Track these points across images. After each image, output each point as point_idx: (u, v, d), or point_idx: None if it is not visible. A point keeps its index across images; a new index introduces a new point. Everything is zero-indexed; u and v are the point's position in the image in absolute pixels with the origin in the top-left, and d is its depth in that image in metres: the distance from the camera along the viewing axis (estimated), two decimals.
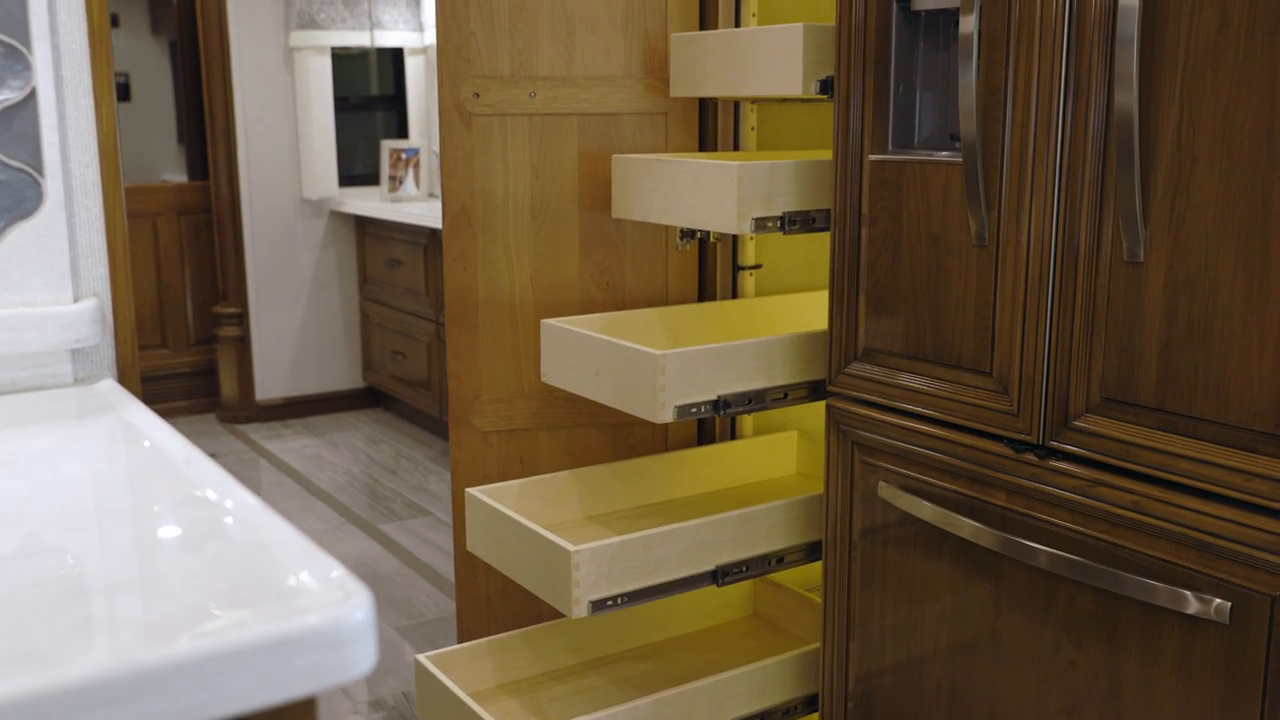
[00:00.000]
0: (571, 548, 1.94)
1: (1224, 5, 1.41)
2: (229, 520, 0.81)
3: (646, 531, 2.02)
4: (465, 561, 2.55)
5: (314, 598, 0.68)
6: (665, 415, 1.99)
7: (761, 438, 2.60)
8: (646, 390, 1.99)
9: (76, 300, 1.25)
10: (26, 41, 1.17)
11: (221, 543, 0.78)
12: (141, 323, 5.29)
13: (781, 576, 2.59)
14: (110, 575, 0.74)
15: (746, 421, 2.63)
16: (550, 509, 2.32)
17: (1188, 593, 1.52)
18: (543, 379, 2.28)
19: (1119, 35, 1.48)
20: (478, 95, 2.37)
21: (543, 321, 2.25)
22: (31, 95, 1.18)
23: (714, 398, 2.04)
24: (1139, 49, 1.48)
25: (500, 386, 2.50)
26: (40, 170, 1.20)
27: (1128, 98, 1.49)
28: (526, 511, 2.27)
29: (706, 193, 2.06)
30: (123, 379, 1.30)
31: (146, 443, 1.01)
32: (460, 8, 2.34)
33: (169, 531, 0.81)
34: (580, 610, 1.96)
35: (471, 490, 2.23)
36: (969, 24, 1.67)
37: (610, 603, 1.99)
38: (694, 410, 2.02)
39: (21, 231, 1.20)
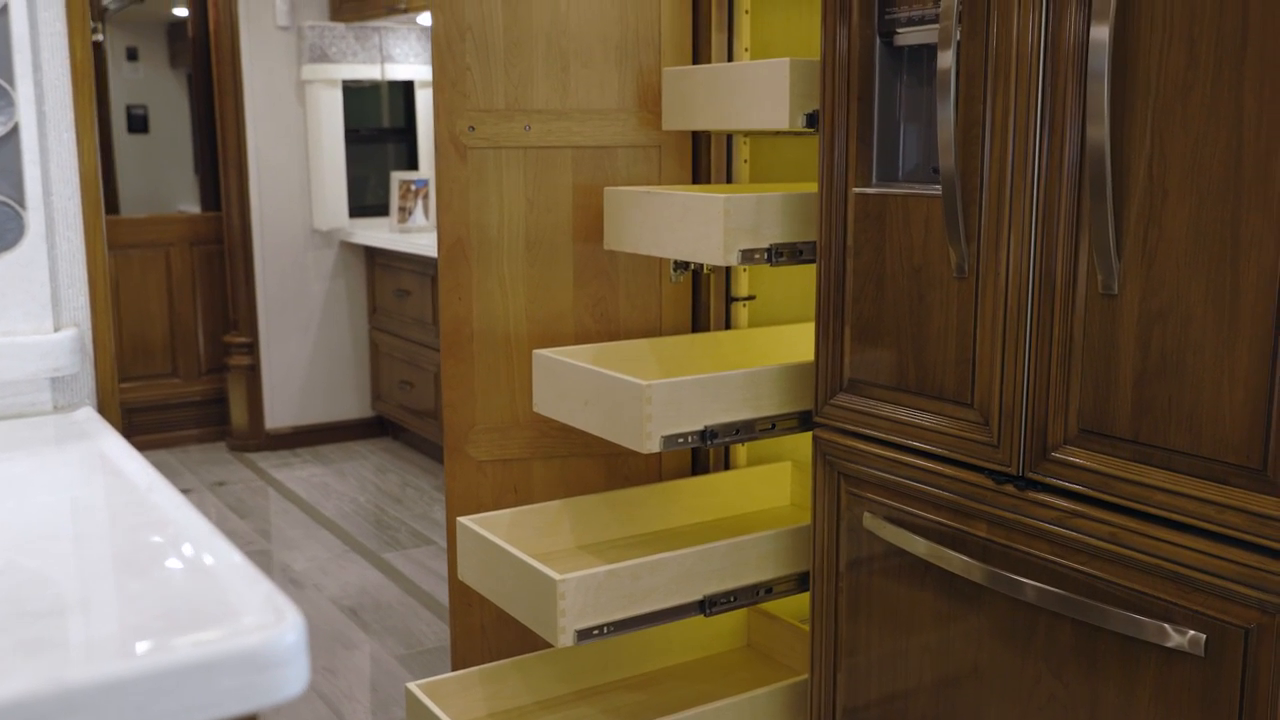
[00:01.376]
0: (557, 576, 1.95)
1: (1192, 43, 1.43)
2: (179, 546, 0.83)
3: (633, 561, 2.03)
4: (459, 590, 2.56)
5: (246, 621, 0.69)
6: (652, 445, 2.00)
7: (755, 468, 2.61)
8: (633, 420, 2.00)
9: (57, 330, 1.27)
10: (10, 78, 1.21)
11: (167, 568, 0.79)
12: (153, 352, 5.34)
13: (775, 607, 2.59)
14: (57, 598, 0.76)
15: (740, 452, 2.64)
16: (542, 538, 2.34)
17: (1164, 625, 1.52)
18: (534, 409, 2.30)
19: (1090, 70, 1.49)
20: (473, 129, 2.41)
21: (534, 352, 2.27)
22: (14, 130, 1.22)
23: (701, 428, 2.05)
24: (1110, 84, 1.50)
25: (495, 416, 2.52)
26: (22, 203, 1.23)
27: (1099, 132, 1.50)
28: (518, 541, 2.29)
29: (694, 224, 2.08)
30: (102, 407, 1.32)
31: (113, 470, 1.03)
32: (456, 43, 2.38)
33: (120, 556, 0.83)
34: (566, 639, 1.97)
35: (462, 519, 2.25)
36: (946, 59, 1.69)
37: (596, 632, 2.00)
38: (681, 440, 2.03)
39: (3, 262, 1.23)
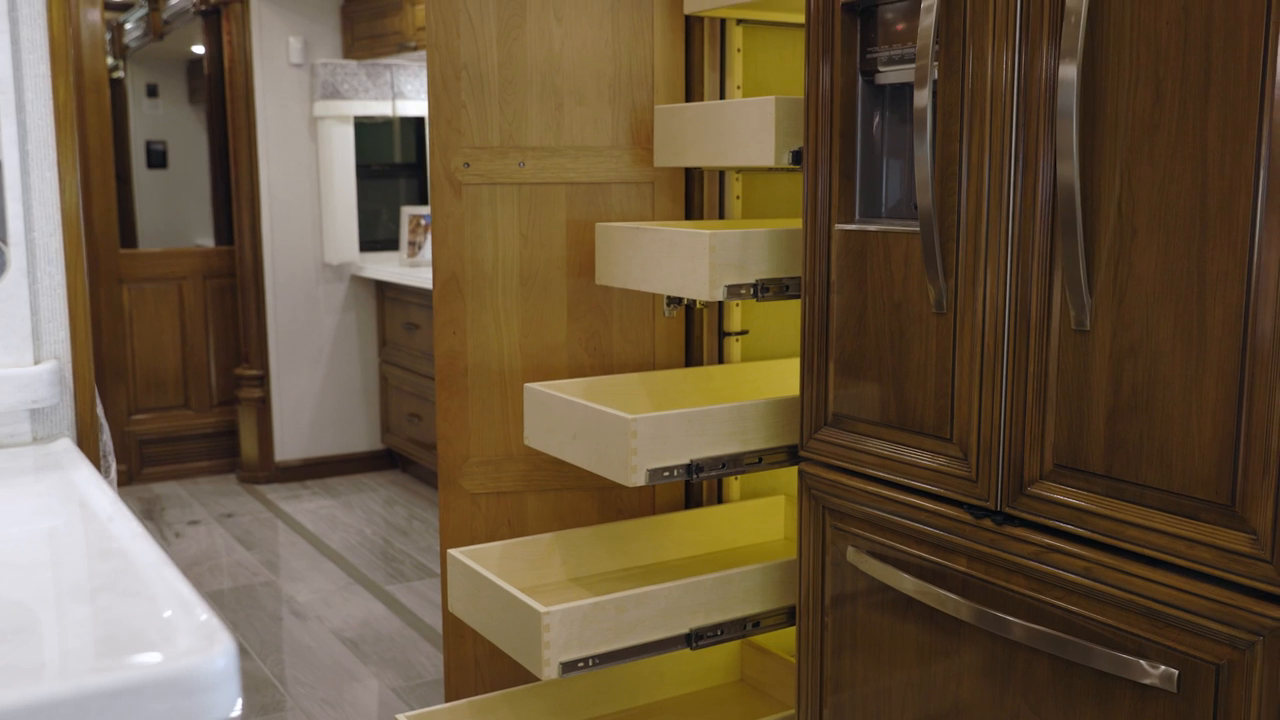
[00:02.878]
0: (542, 609, 1.96)
1: (1157, 82, 1.44)
2: (128, 574, 0.85)
3: (619, 594, 2.04)
4: (453, 623, 2.57)
5: (178, 647, 0.71)
6: (637, 479, 2.02)
7: (748, 502, 2.62)
8: (619, 453, 2.02)
9: (37, 363, 1.30)
10: None
11: (114, 595, 0.81)
12: (165, 384, 5.39)
13: (769, 641, 2.59)
14: (2, 623, 0.78)
15: (733, 485, 2.65)
16: (533, 571, 2.35)
17: (1138, 661, 1.52)
18: (525, 442, 2.31)
19: (1059, 108, 1.51)
20: (468, 165, 2.44)
21: (526, 385, 2.29)
22: None
23: (687, 461, 2.06)
24: (1080, 122, 1.52)
25: (489, 449, 2.54)
26: (4, 238, 1.26)
27: (1069, 169, 1.52)
28: (509, 573, 2.30)
29: (681, 260, 2.10)
30: (81, 438, 1.35)
31: (80, 501, 1.06)
32: (451, 80, 2.42)
33: (70, 583, 0.85)
34: (551, 671, 1.98)
35: (452, 551, 2.26)
36: (922, 98, 1.71)
37: (581, 664, 2.01)
38: (666, 474, 2.05)
39: None
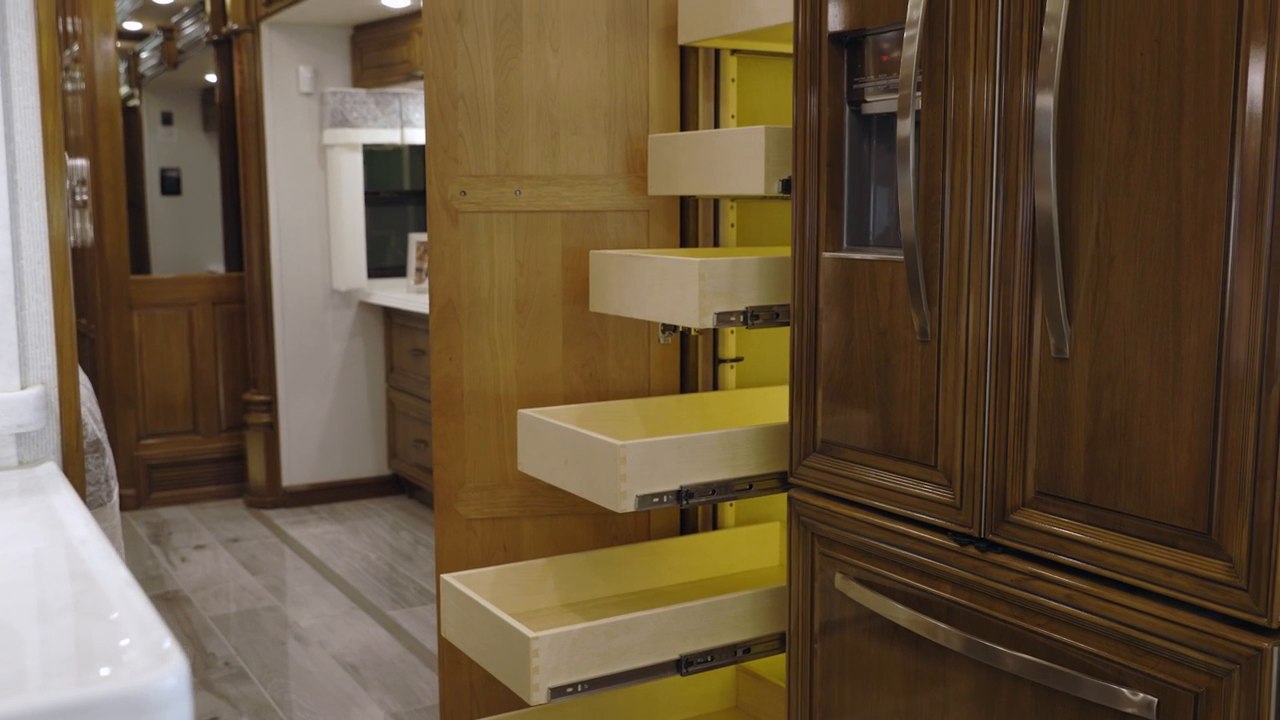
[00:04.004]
0: (531, 634, 1.97)
1: (1132, 112, 1.46)
2: (93, 595, 0.87)
3: (608, 619, 2.04)
4: (449, 648, 2.58)
5: (131, 665, 0.73)
6: (627, 505, 2.03)
7: (743, 528, 2.62)
8: (609, 479, 2.03)
9: (24, 388, 1.33)
10: None
11: (77, 615, 0.83)
12: (174, 409, 5.43)
13: (763, 668, 2.59)
14: None
15: (728, 511, 2.66)
16: (526, 596, 2.36)
17: (1118, 688, 1.52)
18: (519, 468, 2.33)
19: (1037, 137, 1.53)
20: (464, 193, 2.47)
21: (519, 412, 2.31)
22: None
23: (677, 488, 2.08)
24: (1058, 152, 1.53)
25: (484, 475, 2.56)
26: None
27: (1047, 199, 1.53)
28: (501, 599, 2.31)
29: (671, 287, 2.12)
30: (67, 462, 1.37)
31: (56, 523, 1.08)
32: (449, 110, 2.45)
33: (35, 603, 0.87)
34: (539, 696, 1.99)
35: (446, 576, 2.28)
36: (905, 128, 1.73)
37: (570, 690, 2.01)
38: (656, 500, 2.06)
39: None
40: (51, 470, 1.30)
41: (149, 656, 0.74)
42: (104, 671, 0.72)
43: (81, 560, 0.96)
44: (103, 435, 3.11)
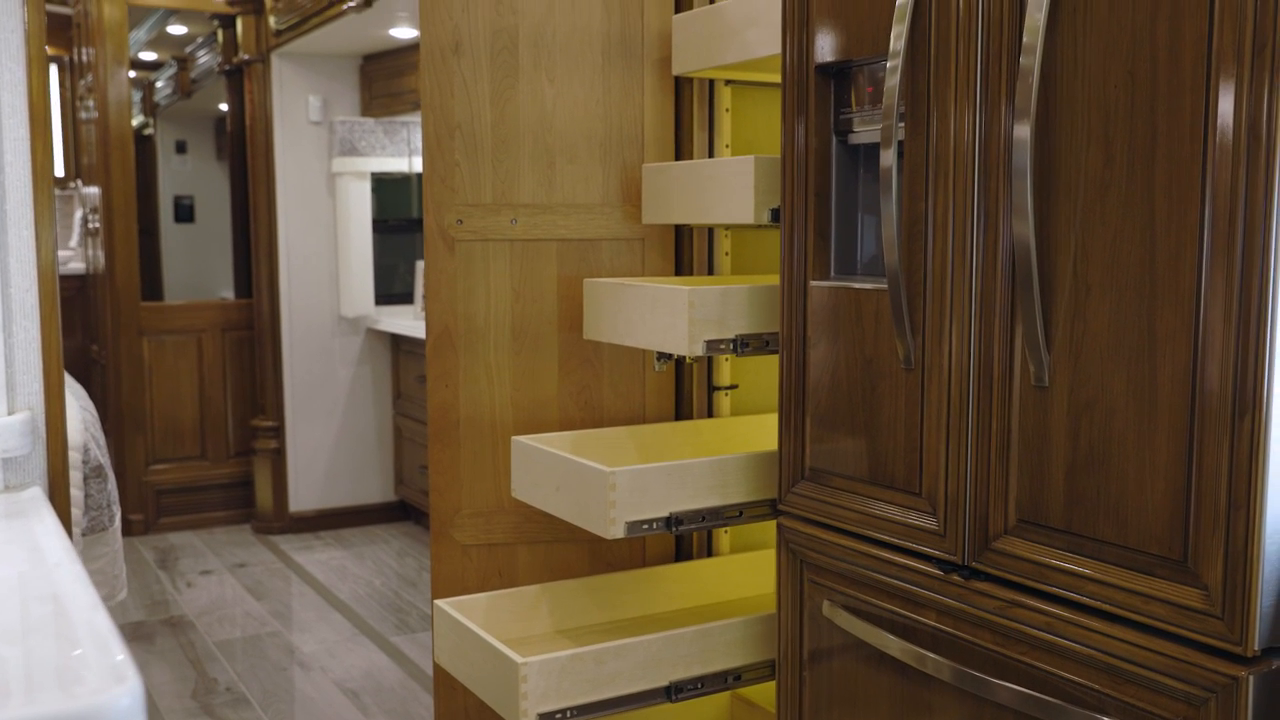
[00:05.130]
0: (520, 659, 1.98)
1: (1107, 142, 1.47)
2: (60, 617, 0.89)
3: (597, 645, 2.05)
4: (444, 674, 2.59)
5: (87, 685, 0.75)
6: (616, 531, 2.04)
7: (738, 555, 2.63)
8: (598, 505, 2.05)
9: (11, 413, 1.35)
10: None
11: (42, 636, 0.85)
12: (183, 436, 5.46)
13: (757, 694, 2.59)
14: None
15: (723, 538, 2.67)
16: (519, 622, 2.37)
17: (1099, 717, 1.52)
18: (512, 494, 2.34)
19: (1014, 167, 1.54)
20: (461, 222, 2.49)
21: (513, 438, 2.33)
22: None
23: (666, 514, 2.09)
24: (1037, 182, 1.55)
25: (480, 501, 2.57)
26: None
27: (1024, 228, 1.54)
28: (494, 625, 2.32)
29: (663, 315, 2.14)
30: (53, 487, 1.39)
31: (34, 546, 1.10)
32: (446, 140, 2.48)
33: (5, 625, 0.88)
34: None
35: (439, 602, 2.29)
36: (888, 158, 1.75)
37: (559, 716, 2.02)
38: (645, 526, 2.07)
39: None
40: (36, 495, 1.33)
41: (106, 677, 0.75)
42: (63, 691, 0.74)
43: (53, 583, 0.98)
44: (106, 461, 3.14)
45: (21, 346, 1.36)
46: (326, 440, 5.42)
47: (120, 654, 0.79)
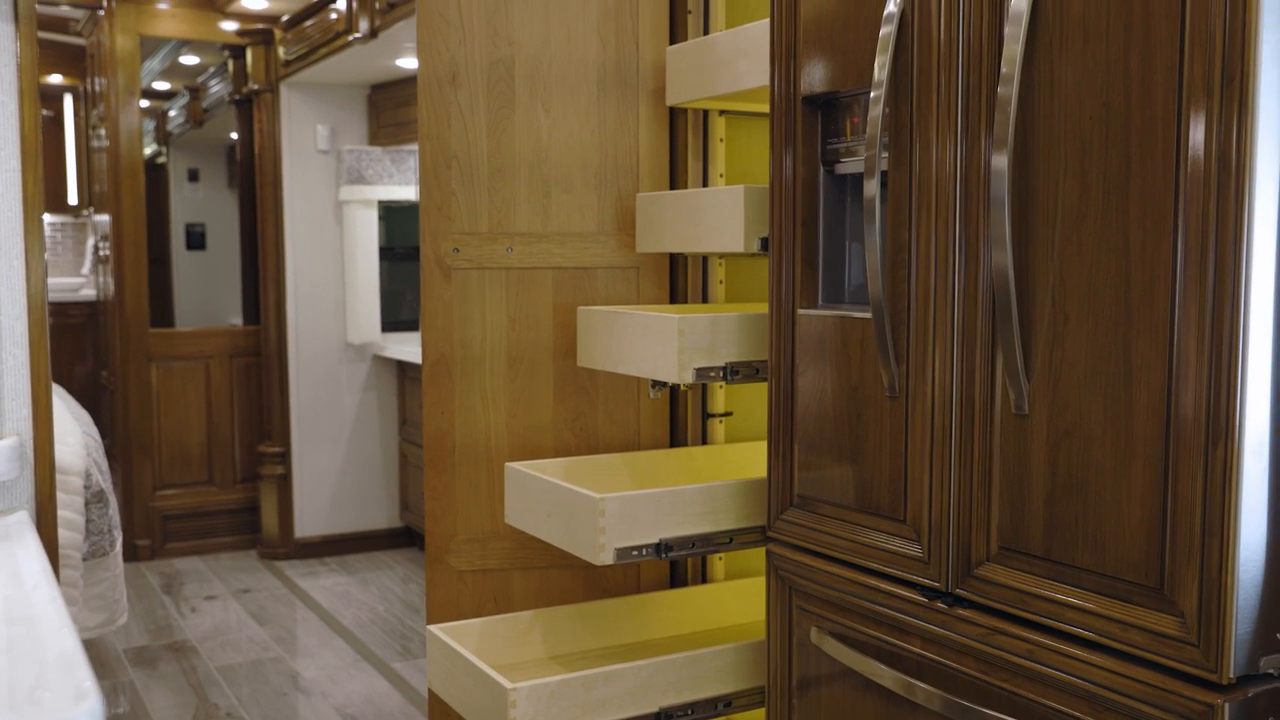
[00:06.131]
0: (509, 685, 1.99)
1: (1083, 173, 1.49)
2: (30, 639, 0.91)
3: (586, 671, 2.06)
4: (438, 701, 2.60)
5: (48, 705, 0.76)
6: (605, 557, 2.05)
7: (733, 582, 2.63)
8: (588, 532, 2.06)
9: None
10: None
11: (10, 657, 0.87)
12: (190, 461, 5.49)
13: None
14: None
15: (718, 565, 2.67)
16: (511, 648, 2.38)
17: None
18: (506, 520, 2.36)
19: (992, 197, 1.56)
20: (457, 250, 2.52)
21: (506, 465, 2.34)
22: None
23: (656, 541, 2.10)
24: (1016, 212, 1.57)
25: (475, 527, 2.58)
26: None
27: (1003, 257, 1.56)
28: (487, 650, 2.33)
29: (653, 343, 2.16)
30: (40, 511, 1.41)
31: (12, 570, 1.12)
32: (442, 169, 2.51)
33: None
34: None
35: (431, 627, 2.30)
36: (871, 188, 1.77)
37: None
38: (635, 553, 2.08)
39: None
40: (22, 519, 1.35)
41: (66, 698, 0.77)
42: (21, 712, 0.75)
43: (29, 605, 1.00)
44: (108, 487, 3.17)
45: (10, 373, 1.39)
46: (332, 466, 5.44)
47: (84, 675, 0.81)
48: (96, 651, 4.15)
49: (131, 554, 5.34)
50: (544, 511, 2.20)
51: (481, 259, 2.53)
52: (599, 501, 2.03)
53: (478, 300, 2.54)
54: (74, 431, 3.13)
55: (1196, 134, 1.35)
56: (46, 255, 6.35)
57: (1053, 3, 1.52)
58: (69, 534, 2.80)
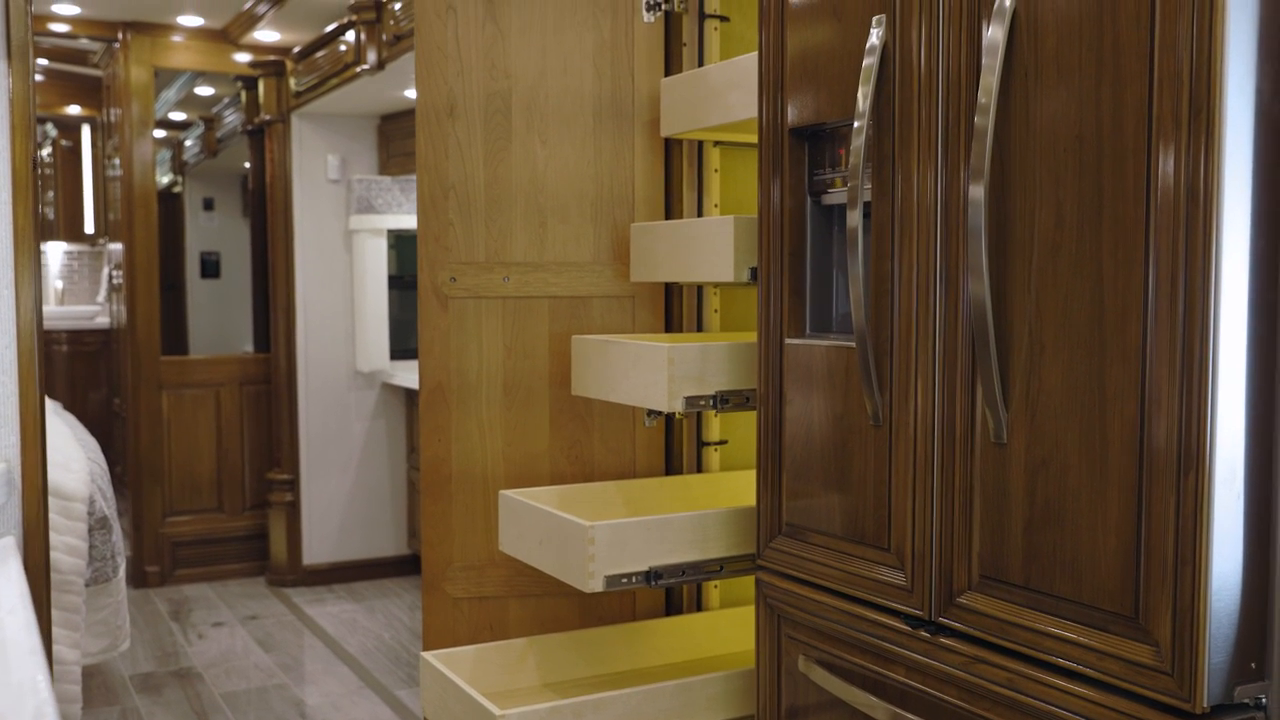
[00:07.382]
0: (498, 712, 2.00)
1: (1058, 204, 1.51)
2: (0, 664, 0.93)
3: (576, 699, 2.07)
4: None
5: None
6: (595, 585, 2.06)
7: (727, 610, 2.64)
8: (578, 559, 2.07)
9: None
10: None
11: None
12: (200, 488, 5.53)
13: None
14: None
15: (713, 593, 2.68)
16: (505, 675, 2.38)
17: None
18: (500, 548, 2.37)
19: (970, 227, 1.58)
20: (454, 279, 2.55)
21: (500, 493, 2.36)
22: None
23: (646, 568, 2.11)
24: (993, 242, 1.58)
25: (472, 555, 2.60)
26: None
27: (980, 287, 1.57)
28: (481, 678, 2.34)
29: (645, 372, 2.17)
30: (28, 537, 1.44)
31: None
32: (440, 200, 2.54)
33: None
34: None
35: (425, 654, 2.31)
36: (854, 218, 1.79)
37: None
38: (625, 580, 2.09)
39: None
40: (7, 545, 1.37)
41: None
42: None
43: (3, 628, 1.02)
44: (112, 513, 3.20)
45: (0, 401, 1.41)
46: (341, 493, 5.47)
47: (44, 699, 0.83)
48: (102, 678, 4.17)
49: (141, 580, 5.36)
50: (536, 539, 2.21)
51: (478, 288, 2.55)
52: (588, 529, 2.04)
53: (474, 329, 2.56)
54: (78, 458, 3.16)
55: (1166, 165, 1.37)
56: (61, 284, 6.42)
57: (1028, 36, 1.54)
58: (71, 560, 2.83)
